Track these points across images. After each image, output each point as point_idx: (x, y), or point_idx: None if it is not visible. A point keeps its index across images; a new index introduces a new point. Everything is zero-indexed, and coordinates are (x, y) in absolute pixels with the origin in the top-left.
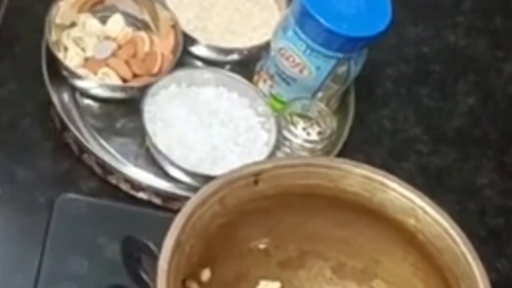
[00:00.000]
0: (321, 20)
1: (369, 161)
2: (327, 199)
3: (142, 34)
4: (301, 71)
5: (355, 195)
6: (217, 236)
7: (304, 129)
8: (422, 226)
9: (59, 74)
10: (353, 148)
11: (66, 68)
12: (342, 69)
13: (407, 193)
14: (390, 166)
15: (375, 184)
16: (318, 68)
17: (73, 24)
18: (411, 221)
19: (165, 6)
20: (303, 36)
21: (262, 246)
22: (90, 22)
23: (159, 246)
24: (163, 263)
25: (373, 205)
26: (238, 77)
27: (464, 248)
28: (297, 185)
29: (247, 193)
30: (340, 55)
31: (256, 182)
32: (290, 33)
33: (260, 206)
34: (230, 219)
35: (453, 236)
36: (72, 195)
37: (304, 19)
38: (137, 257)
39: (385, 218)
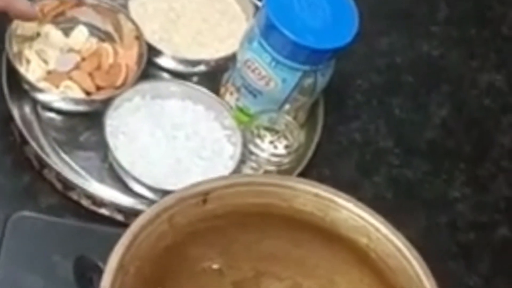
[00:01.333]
0: (287, 32)
1: (338, 174)
2: (281, 218)
3: (106, 45)
4: (267, 84)
5: (308, 214)
6: (166, 257)
7: (271, 142)
8: (375, 245)
9: (20, 86)
10: (321, 161)
11: (27, 82)
12: (309, 81)
13: (359, 211)
14: (360, 179)
15: (327, 202)
16: (284, 80)
17: (35, 36)
18: (364, 240)
19: (128, 17)
20: (268, 48)
21: (215, 266)
22: (53, 34)
23: None
24: (105, 285)
25: (326, 224)
26: (204, 89)
27: (418, 269)
28: (248, 204)
29: (197, 212)
30: (306, 67)
31: (204, 201)
32: (255, 44)
33: (212, 226)
34: (179, 239)
35: (407, 256)
36: (27, 213)
37: (269, 30)
38: (89, 277)
39: (339, 237)
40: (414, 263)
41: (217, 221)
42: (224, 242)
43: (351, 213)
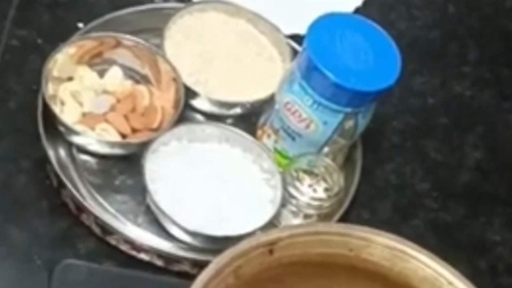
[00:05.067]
0: (329, 74)
1: (376, 217)
2: (345, 269)
3: (141, 87)
4: (307, 126)
5: (376, 265)
6: None
7: (310, 185)
8: None
9: (56, 129)
10: (359, 204)
11: (63, 124)
12: (350, 123)
13: (430, 262)
14: (398, 222)
15: (396, 252)
16: (325, 123)
17: (70, 78)
18: None
19: (165, 59)
20: (310, 90)
21: None
22: (88, 75)
23: None
24: None
25: (393, 274)
26: (241, 132)
27: None
28: (313, 253)
29: (262, 262)
30: (348, 109)
31: (271, 251)
32: (296, 87)
33: (274, 275)
34: None
35: None
36: (71, 261)
37: (311, 72)
38: None
39: None
40: None
41: (280, 271)
42: None
43: (421, 263)
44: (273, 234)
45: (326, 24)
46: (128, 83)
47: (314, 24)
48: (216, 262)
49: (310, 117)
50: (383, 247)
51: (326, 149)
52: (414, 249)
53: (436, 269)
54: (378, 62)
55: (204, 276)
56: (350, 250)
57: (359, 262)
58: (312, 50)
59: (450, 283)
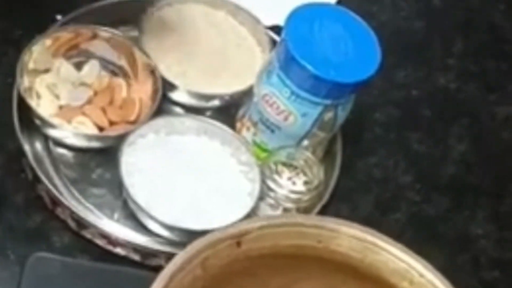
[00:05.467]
0: (307, 65)
1: (357, 211)
2: (314, 260)
3: (119, 79)
4: (286, 118)
5: (344, 256)
6: None
7: (289, 178)
8: None
9: (32, 122)
10: (339, 198)
11: (39, 117)
12: (329, 115)
13: (401, 254)
14: (379, 216)
15: (367, 244)
16: (304, 115)
17: (47, 70)
18: (405, 284)
19: (143, 51)
20: (288, 82)
21: None
22: (65, 68)
23: None
24: None
25: (364, 266)
26: (220, 124)
27: None
28: (283, 245)
29: (230, 255)
30: (327, 101)
31: (239, 243)
32: (274, 78)
33: (244, 268)
34: (211, 283)
35: None
36: (44, 254)
37: (289, 64)
38: None
39: (377, 281)
40: None
41: (248, 263)
42: (255, 285)
43: (393, 256)
44: (240, 226)
45: (305, 14)
46: (106, 75)
47: (292, 14)
48: (183, 254)
49: (288, 109)
50: (351, 238)
51: (305, 142)
52: (385, 241)
53: (408, 261)
54: (358, 53)
55: (170, 267)
56: (319, 241)
57: (328, 254)
58: (290, 40)
59: (421, 275)
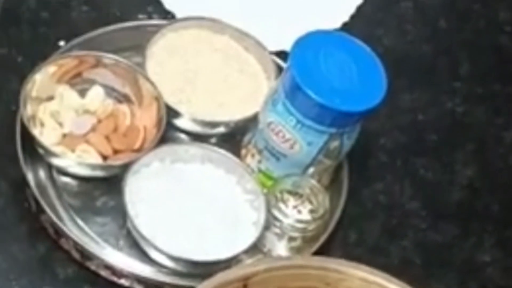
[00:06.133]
0: (312, 94)
1: (364, 238)
2: None
3: (123, 107)
4: (291, 147)
5: None
6: None
7: (295, 207)
8: None
9: (35, 150)
10: (346, 226)
11: (42, 146)
12: (335, 144)
13: None
14: (386, 244)
15: (374, 286)
16: (309, 143)
17: (50, 97)
18: None
19: (146, 78)
20: (293, 110)
21: None
22: (68, 95)
23: None
24: None
25: None
26: (224, 152)
27: None
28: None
29: None
30: (332, 130)
31: (245, 286)
32: (279, 106)
33: None
34: None
35: None
36: None
37: (294, 92)
38: None
39: None
40: None
41: None
42: None
43: None
44: (246, 269)
45: (310, 42)
46: (110, 103)
47: (297, 42)
48: None
49: (294, 138)
50: (359, 280)
51: (311, 170)
52: (391, 282)
53: None
54: (363, 81)
55: None
56: (327, 284)
57: None
58: (296, 69)
59: None
